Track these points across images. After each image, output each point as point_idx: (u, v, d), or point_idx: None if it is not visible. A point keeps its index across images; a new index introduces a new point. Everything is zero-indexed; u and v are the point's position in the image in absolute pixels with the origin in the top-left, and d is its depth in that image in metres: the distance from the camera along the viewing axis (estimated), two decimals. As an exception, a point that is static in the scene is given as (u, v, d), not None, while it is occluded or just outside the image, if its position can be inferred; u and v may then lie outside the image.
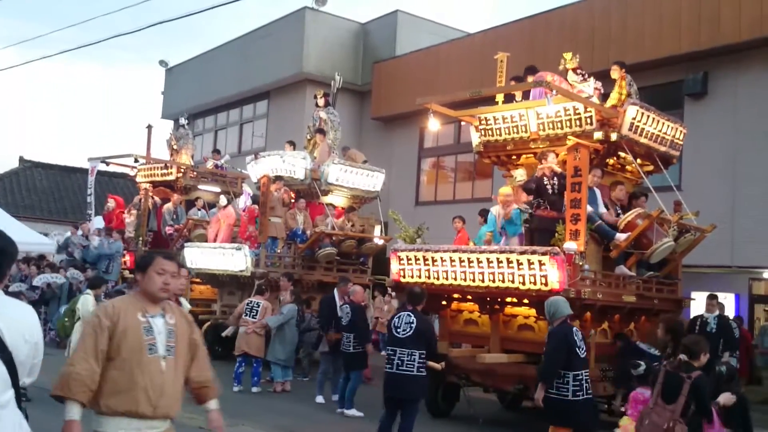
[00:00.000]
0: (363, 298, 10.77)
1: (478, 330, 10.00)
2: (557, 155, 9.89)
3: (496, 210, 10.43)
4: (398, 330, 7.37)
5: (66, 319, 10.57)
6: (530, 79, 10.41)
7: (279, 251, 14.22)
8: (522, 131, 10.41)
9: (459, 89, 13.56)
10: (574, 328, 6.84)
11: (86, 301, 9.99)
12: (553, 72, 10.58)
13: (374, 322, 13.89)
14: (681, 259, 10.75)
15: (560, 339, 6.67)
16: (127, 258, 16.86)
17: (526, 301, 9.19)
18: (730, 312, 13.11)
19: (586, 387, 6.66)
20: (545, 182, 9.61)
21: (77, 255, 17.27)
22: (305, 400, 10.75)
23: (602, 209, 10.01)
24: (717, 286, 14.34)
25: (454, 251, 9.59)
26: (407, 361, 7.25)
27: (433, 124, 10.67)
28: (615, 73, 10.47)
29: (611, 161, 10.36)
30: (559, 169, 9.58)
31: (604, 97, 10.62)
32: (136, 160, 18.35)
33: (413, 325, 7.33)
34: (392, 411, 7.50)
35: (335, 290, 11.38)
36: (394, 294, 11.99)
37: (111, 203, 18.90)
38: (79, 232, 17.95)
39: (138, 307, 3.74)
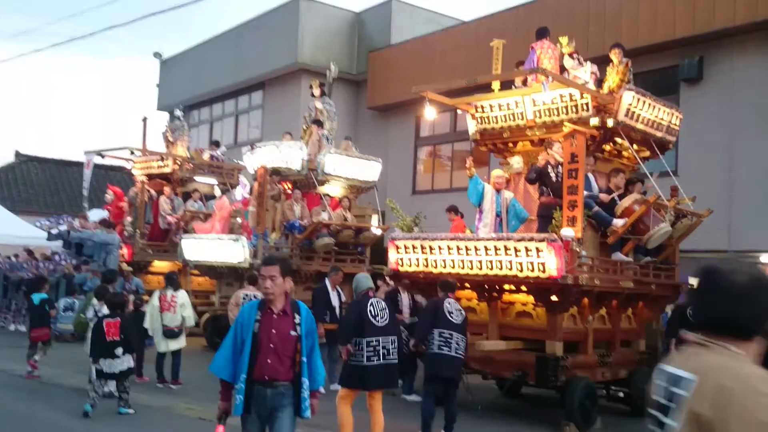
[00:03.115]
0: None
1: (476, 317, 10.02)
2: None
3: (490, 190, 10.31)
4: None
5: (82, 315, 10.44)
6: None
7: (271, 241, 14.21)
8: (518, 119, 10.41)
9: (455, 77, 13.54)
10: (373, 300, 7.24)
11: None
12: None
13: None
14: (678, 245, 10.78)
15: (354, 308, 7.30)
16: (125, 251, 16.85)
17: (524, 288, 9.21)
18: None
19: (382, 353, 7.01)
20: (549, 170, 9.62)
21: (72, 237, 17.14)
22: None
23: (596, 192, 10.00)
24: (714, 271, 14.37)
25: (452, 239, 9.60)
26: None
27: (430, 113, 10.65)
28: (616, 56, 10.44)
29: (608, 147, 10.36)
30: (562, 159, 9.57)
31: (600, 82, 10.61)
32: (132, 153, 18.32)
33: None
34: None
35: (326, 280, 11.38)
36: (392, 282, 12.00)
37: (110, 195, 18.89)
38: (76, 223, 17.92)
39: None
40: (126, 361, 8.69)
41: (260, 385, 4.54)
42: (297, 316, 4.69)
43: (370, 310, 7.08)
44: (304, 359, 4.65)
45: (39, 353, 11.00)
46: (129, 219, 17.85)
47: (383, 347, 7.03)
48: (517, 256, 8.80)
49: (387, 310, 7.23)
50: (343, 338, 7.20)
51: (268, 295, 4.62)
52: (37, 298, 11.24)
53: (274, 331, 4.59)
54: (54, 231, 17.72)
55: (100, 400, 8.53)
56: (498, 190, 10.13)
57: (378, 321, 7.08)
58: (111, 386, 8.83)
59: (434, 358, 7.87)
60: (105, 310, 9.33)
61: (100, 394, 8.56)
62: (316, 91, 15.52)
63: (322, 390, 5.06)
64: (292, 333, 4.63)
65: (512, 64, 11.46)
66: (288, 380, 4.60)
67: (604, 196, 9.92)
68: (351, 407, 7.20)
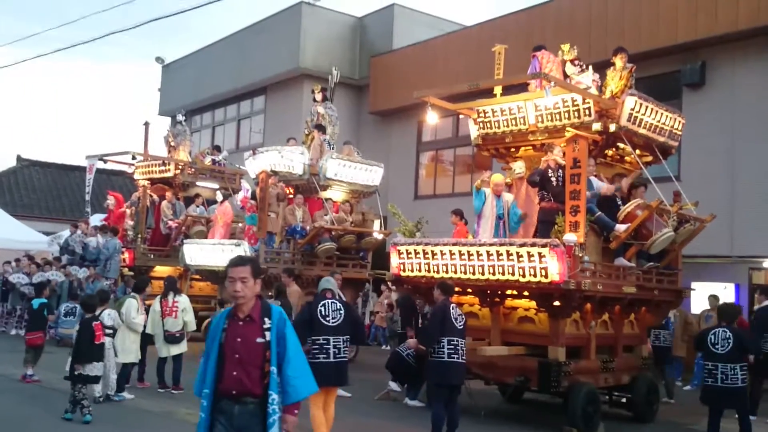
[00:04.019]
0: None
1: (478, 323, 9.99)
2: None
3: (490, 195, 10.26)
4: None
5: None
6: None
7: (276, 246, 14.19)
8: (520, 123, 10.37)
9: (457, 82, 13.52)
10: (327, 300, 7.31)
11: (130, 305, 9.95)
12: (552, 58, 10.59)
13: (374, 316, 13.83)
14: (681, 250, 10.75)
15: (306, 308, 7.52)
16: (126, 255, 16.84)
17: (526, 293, 9.18)
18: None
19: (333, 352, 7.12)
20: (550, 174, 9.60)
21: (77, 249, 17.26)
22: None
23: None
24: (717, 276, 14.36)
25: (454, 244, 9.57)
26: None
27: (432, 118, 10.63)
28: (620, 61, 10.42)
29: (610, 152, 10.35)
30: (563, 162, 9.55)
31: (602, 88, 10.59)
32: (133, 158, 18.31)
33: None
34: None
35: None
36: (394, 288, 11.97)
37: (111, 200, 18.88)
38: (78, 231, 17.95)
39: None
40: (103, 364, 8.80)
41: (228, 400, 4.11)
42: (267, 321, 4.21)
43: (321, 310, 7.21)
44: (273, 368, 4.13)
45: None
46: (130, 224, 17.84)
47: (334, 346, 7.14)
48: (519, 261, 8.76)
49: (342, 311, 7.30)
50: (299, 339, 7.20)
51: (238, 299, 4.19)
52: (36, 302, 11.26)
53: (239, 339, 4.15)
54: (62, 243, 17.87)
55: (90, 404, 8.52)
56: (498, 195, 10.09)
57: (329, 321, 7.18)
58: (95, 389, 8.81)
59: (445, 366, 7.82)
60: (106, 314, 9.30)
61: (90, 400, 8.55)
62: (318, 96, 15.52)
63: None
64: (259, 340, 4.15)
65: (514, 69, 11.43)
66: (259, 397, 4.11)
67: (606, 190, 9.84)
68: (322, 409, 7.16)
